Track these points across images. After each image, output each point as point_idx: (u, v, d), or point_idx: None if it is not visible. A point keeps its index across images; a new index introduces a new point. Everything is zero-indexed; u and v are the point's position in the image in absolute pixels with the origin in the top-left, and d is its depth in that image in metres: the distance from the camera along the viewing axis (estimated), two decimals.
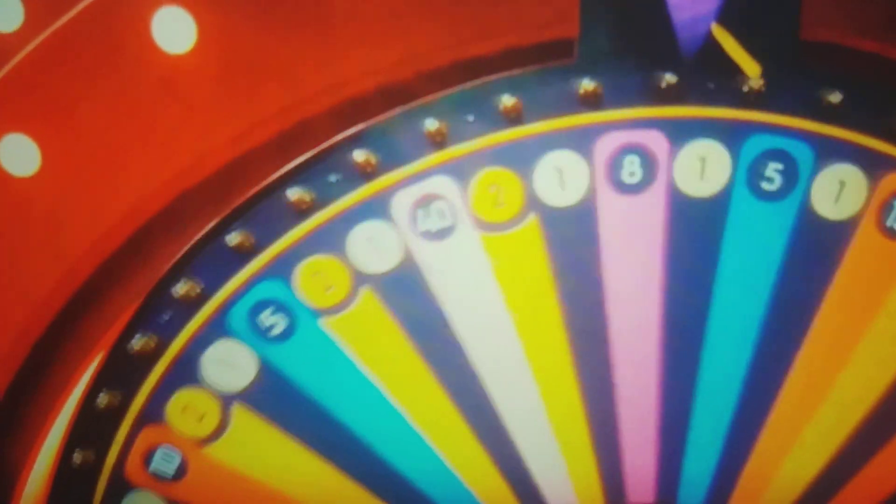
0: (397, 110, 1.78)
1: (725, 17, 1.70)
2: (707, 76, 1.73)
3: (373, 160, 1.79)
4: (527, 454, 1.85)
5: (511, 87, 1.75)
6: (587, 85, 1.73)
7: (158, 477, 1.88)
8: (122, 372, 1.86)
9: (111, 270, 1.92)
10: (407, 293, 1.83)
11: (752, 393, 1.78)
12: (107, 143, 1.85)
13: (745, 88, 1.71)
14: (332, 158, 1.80)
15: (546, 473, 1.85)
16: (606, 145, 1.75)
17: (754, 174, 1.75)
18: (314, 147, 1.80)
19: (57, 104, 1.82)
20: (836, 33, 1.77)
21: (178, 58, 1.78)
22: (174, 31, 1.77)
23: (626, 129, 1.75)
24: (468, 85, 1.76)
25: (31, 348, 1.92)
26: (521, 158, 1.77)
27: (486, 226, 1.80)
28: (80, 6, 1.79)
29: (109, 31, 1.79)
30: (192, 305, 1.84)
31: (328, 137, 1.80)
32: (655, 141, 1.75)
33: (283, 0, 1.80)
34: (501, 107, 1.75)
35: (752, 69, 1.71)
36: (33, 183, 1.85)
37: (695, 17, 1.70)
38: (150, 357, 1.85)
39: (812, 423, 1.77)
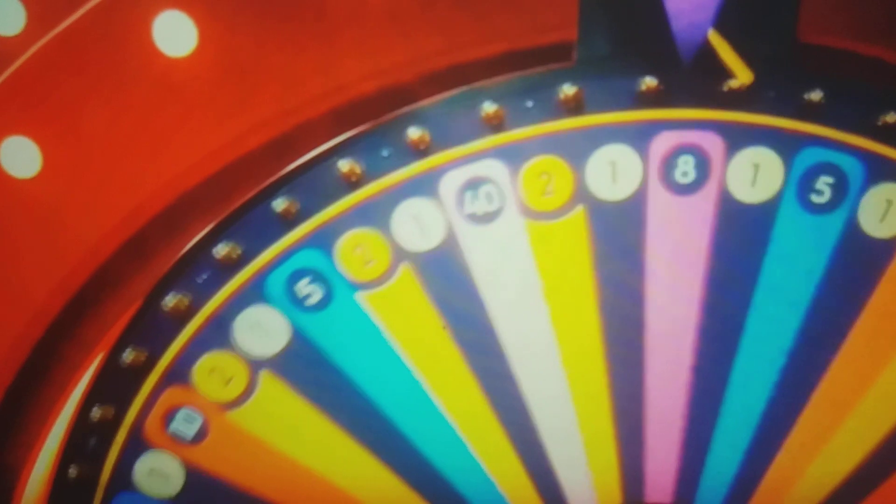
0: (456, 91, 1.77)
1: (723, 22, 1.70)
2: (770, 85, 1.74)
3: (427, 138, 1.77)
4: (549, 443, 1.85)
5: (573, 78, 1.74)
6: (649, 82, 1.72)
7: (177, 438, 1.87)
8: (152, 329, 1.84)
9: (112, 271, 1.93)
10: (445, 274, 1.82)
11: (781, 401, 1.79)
12: (108, 146, 1.86)
13: (726, 89, 1.72)
14: (386, 133, 1.78)
15: (566, 463, 1.85)
16: (662, 143, 1.75)
17: (805, 186, 1.75)
18: (306, 150, 1.82)
19: (58, 107, 1.83)
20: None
21: (179, 61, 1.80)
22: (175, 35, 1.78)
23: (685, 129, 1.74)
24: (530, 71, 1.75)
25: (31, 350, 1.93)
26: (575, 149, 1.76)
27: (532, 213, 1.79)
28: (82, 10, 1.80)
29: (111, 35, 1.80)
30: (230, 268, 1.82)
31: (327, 140, 1.81)
32: (712, 143, 1.75)
33: (283, 4, 1.80)
34: (562, 96, 1.73)
35: (744, 75, 1.71)
36: (34, 185, 1.86)
37: (693, 22, 1.70)
38: (182, 316, 1.83)
39: (839, 433, 1.78)
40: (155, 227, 1.90)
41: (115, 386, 1.86)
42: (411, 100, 1.79)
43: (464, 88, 1.77)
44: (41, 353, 1.93)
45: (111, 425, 1.86)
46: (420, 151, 1.78)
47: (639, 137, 1.75)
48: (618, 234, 1.78)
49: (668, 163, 1.75)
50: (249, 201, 1.82)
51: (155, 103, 1.83)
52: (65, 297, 1.91)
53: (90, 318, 1.94)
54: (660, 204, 1.76)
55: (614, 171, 1.76)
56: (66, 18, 1.80)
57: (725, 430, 1.81)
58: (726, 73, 1.72)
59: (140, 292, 1.87)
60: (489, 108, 1.75)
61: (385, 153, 1.79)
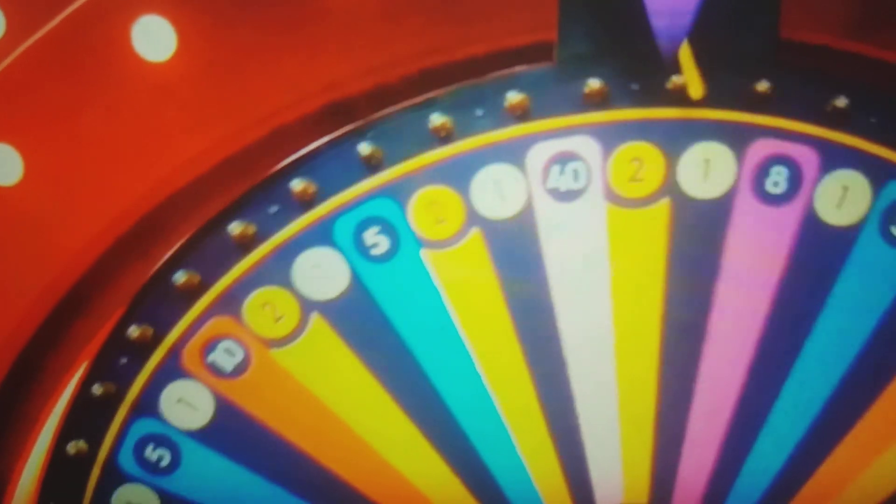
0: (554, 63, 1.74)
1: (703, 23, 1.68)
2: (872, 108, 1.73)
3: (525, 104, 1.73)
4: (587, 436, 1.83)
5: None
6: (761, 86, 1.70)
7: (215, 370, 1.81)
8: (211, 253, 1.78)
9: (96, 277, 1.92)
10: (515, 246, 1.79)
11: (826, 426, 1.79)
12: (89, 152, 1.86)
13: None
14: (484, 95, 1.74)
15: (600, 459, 1.83)
16: (760, 150, 1.73)
17: (887, 216, 1.75)
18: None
19: (39, 114, 1.83)
20: None
21: (159, 65, 1.80)
22: (154, 40, 1.78)
23: (784, 139, 1.72)
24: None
25: (18, 353, 1.92)
26: (673, 140, 1.73)
27: (616, 198, 1.76)
28: (61, 17, 1.79)
29: (90, 41, 1.79)
30: (303, 205, 1.76)
31: (308, 143, 1.79)
32: (807, 158, 1.73)
33: (261, 9, 1.79)
34: (671, 85, 1.70)
35: (696, 91, 1.71)
36: (16, 192, 1.85)
37: (673, 22, 1.68)
38: (245, 245, 1.77)
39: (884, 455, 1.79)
40: (139, 230, 1.90)
41: (161, 307, 1.80)
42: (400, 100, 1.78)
43: (565, 62, 1.74)
44: (28, 358, 1.93)
45: (149, 345, 1.80)
46: (516, 116, 1.74)
47: (738, 140, 1.72)
48: (700, 234, 1.75)
49: (762, 171, 1.74)
50: (328, 142, 1.77)
51: (136, 108, 1.83)
52: (49, 304, 1.91)
53: (77, 323, 1.93)
54: (747, 210, 1.74)
55: (708, 168, 1.73)
56: (45, 25, 1.79)
57: (771, 435, 1.79)
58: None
59: (126, 294, 1.85)
60: (594, 83, 1.71)
61: (479, 112, 1.74)
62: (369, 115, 1.78)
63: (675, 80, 1.70)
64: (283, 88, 1.83)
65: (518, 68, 1.75)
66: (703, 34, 1.69)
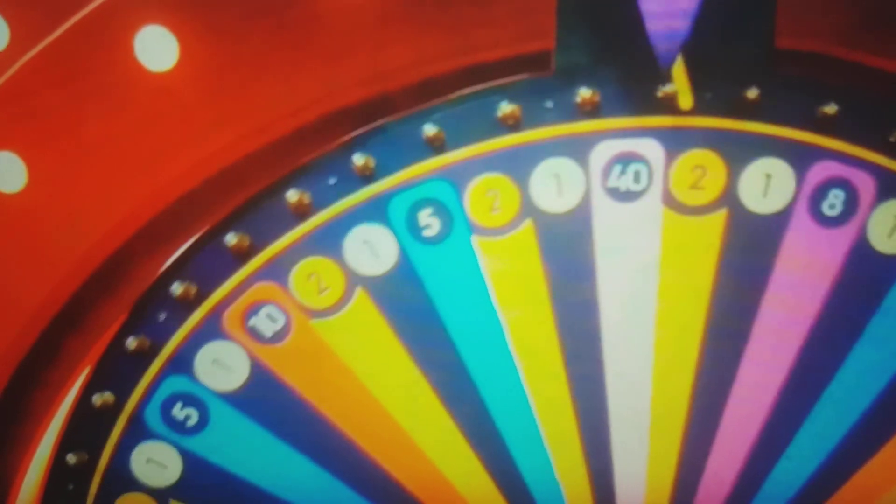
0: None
1: (700, 30, 1.70)
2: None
3: (596, 98, 1.72)
4: (616, 438, 1.83)
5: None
6: (828, 109, 1.71)
7: (255, 334, 1.81)
8: (264, 220, 1.77)
9: (98, 284, 1.92)
10: (566, 239, 1.79)
11: (852, 448, 1.81)
12: (92, 161, 1.86)
13: None
14: (554, 87, 1.74)
15: (626, 461, 1.84)
16: (819, 172, 1.74)
17: None
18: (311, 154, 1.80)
19: (42, 123, 1.84)
20: None
21: (161, 75, 1.81)
22: (157, 49, 1.79)
23: (842, 162, 1.73)
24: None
25: (20, 361, 1.92)
26: (737, 150, 1.73)
27: (675, 204, 1.76)
28: (64, 27, 1.80)
29: (93, 51, 1.81)
30: (362, 179, 1.76)
31: (312, 150, 1.80)
32: (865, 183, 1.74)
33: (263, 18, 1.80)
34: (745, 94, 1.71)
35: (685, 102, 1.73)
36: (20, 199, 1.86)
37: (670, 28, 1.69)
38: (300, 214, 1.77)
39: None
40: (141, 238, 1.90)
41: (209, 266, 1.80)
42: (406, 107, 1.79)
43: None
44: (26, 371, 1.93)
45: (192, 303, 1.80)
46: (585, 112, 1.73)
47: (801, 159, 1.73)
48: (752, 245, 1.76)
49: (820, 192, 1.75)
50: (393, 121, 1.77)
51: (139, 118, 1.83)
52: (51, 311, 1.91)
53: (79, 330, 1.93)
54: (802, 230, 1.75)
55: (768, 184, 1.74)
56: (48, 36, 1.80)
57: (797, 450, 1.81)
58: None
59: (127, 301, 1.86)
60: (669, 89, 1.71)
61: (549, 104, 1.73)
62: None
63: (665, 89, 1.71)
64: (284, 98, 1.84)
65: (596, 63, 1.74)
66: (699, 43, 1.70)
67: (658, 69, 1.72)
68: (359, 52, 1.82)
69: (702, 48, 1.70)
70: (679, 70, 1.71)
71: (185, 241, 1.83)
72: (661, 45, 1.69)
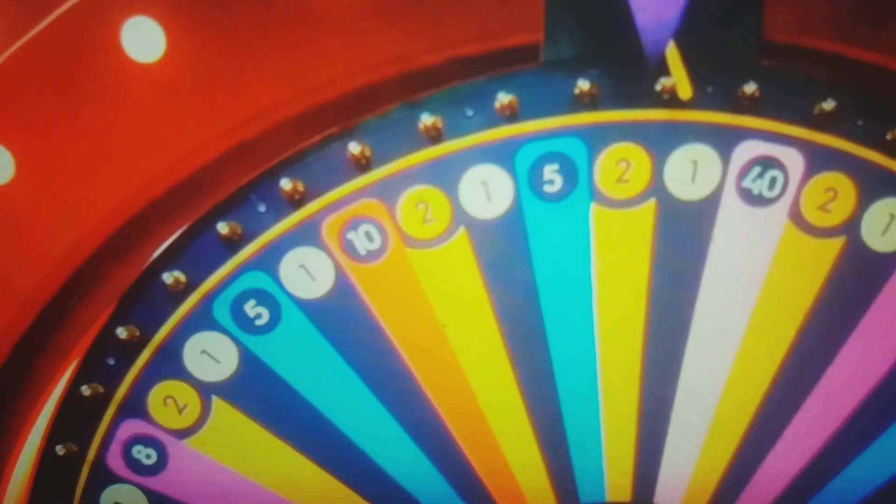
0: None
1: (689, 23, 1.68)
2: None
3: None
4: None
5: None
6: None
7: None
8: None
9: (86, 276, 1.93)
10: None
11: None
12: (79, 153, 1.86)
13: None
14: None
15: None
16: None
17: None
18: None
19: (29, 115, 1.83)
20: None
21: (148, 66, 1.80)
22: (143, 41, 1.79)
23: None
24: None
25: (8, 353, 1.94)
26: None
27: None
28: (51, 18, 1.79)
29: (80, 42, 1.80)
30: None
31: (293, 143, 1.81)
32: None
33: (250, 9, 1.80)
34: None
35: (685, 92, 1.72)
36: (8, 191, 1.86)
37: (658, 21, 1.68)
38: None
39: None
40: (128, 229, 1.91)
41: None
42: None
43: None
44: (18, 355, 1.94)
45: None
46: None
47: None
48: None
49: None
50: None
51: (125, 110, 1.83)
52: (39, 303, 1.92)
53: (66, 324, 1.95)
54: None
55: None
56: (35, 27, 1.79)
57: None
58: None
59: (114, 295, 1.87)
60: (666, 82, 1.71)
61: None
62: (359, 115, 1.79)
63: (664, 81, 1.71)
64: (272, 89, 1.84)
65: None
66: (689, 36, 1.69)
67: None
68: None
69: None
70: (676, 61, 1.71)
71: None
72: (649, 40, 1.69)
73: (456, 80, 1.79)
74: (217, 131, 1.87)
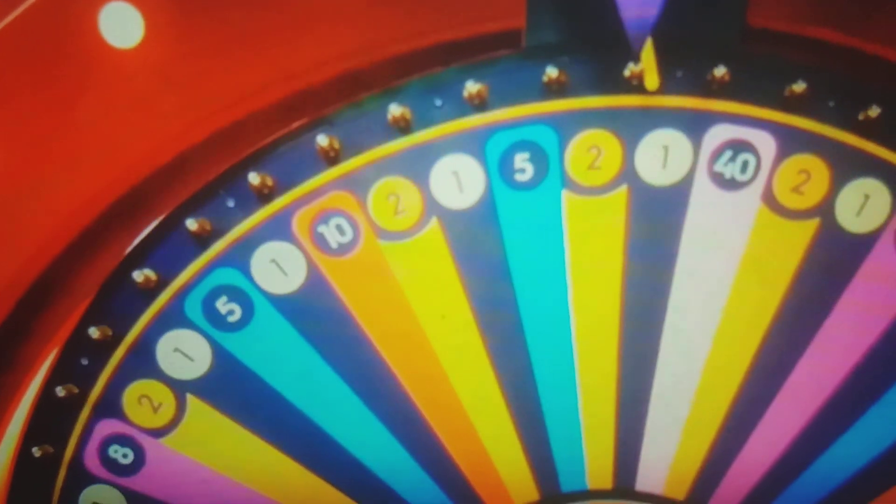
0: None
1: (672, 7, 1.66)
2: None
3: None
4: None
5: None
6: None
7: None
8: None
9: (63, 266, 1.90)
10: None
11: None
12: (56, 141, 1.83)
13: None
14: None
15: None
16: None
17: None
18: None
19: (4, 102, 1.79)
20: None
21: (127, 52, 1.77)
22: (121, 27, 1.76)
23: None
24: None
25: None
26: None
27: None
28: (27, 3, 1.75)
29: (57, 27, 1.76)
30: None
31: (276, 129, 1.78)
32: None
33: None
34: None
35: (652, 82, 1.70)
36: None
37: (641, 5, 1.66)
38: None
39: None
40: (107, 219, 1.88)
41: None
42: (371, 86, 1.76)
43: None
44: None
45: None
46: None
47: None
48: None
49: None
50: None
51: (103, 96, 1.80)
52: (16, 294, 1.90)
53: (46, 312, 1.93)
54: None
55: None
56: (11, 12, 1.75)
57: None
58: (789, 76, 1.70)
59: (92, 285, 1.85)
60: (635, 68, 1.69)
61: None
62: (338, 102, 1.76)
63: (633, 67, 1.69)
64: (249, 76, 1.81)
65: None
66: (665, 21, 1.66)
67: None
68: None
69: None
70: (647, 49, 1.69)
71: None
72: (632, 26, 1.66)
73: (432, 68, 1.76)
74: (199, 116, 1.84)
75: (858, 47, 1.73)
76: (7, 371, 1.96)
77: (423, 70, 1.75)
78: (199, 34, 1.78)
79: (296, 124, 1.76)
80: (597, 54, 1.69)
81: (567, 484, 1.86)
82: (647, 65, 1.69)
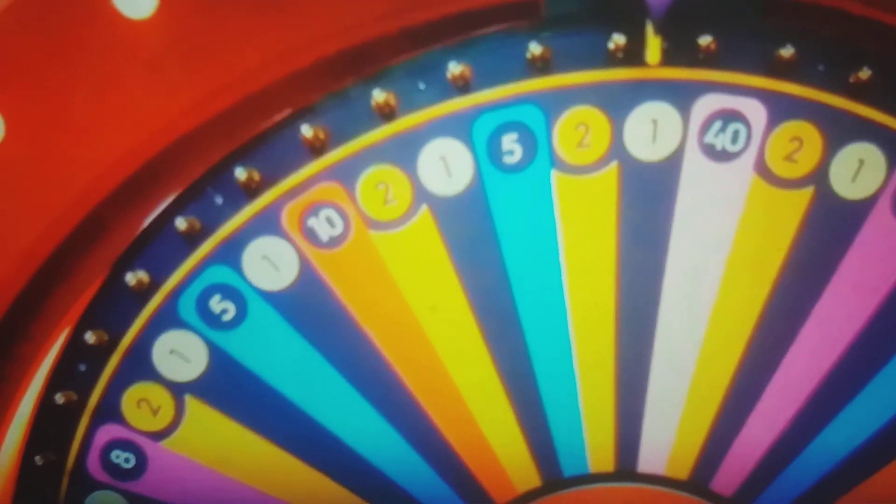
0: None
1: None
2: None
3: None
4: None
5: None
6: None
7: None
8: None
9: (75, 243, 1.86)
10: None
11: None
12: (69, 112, 1.78)
13: None
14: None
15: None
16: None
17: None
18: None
19: (18, 73, 1.75)
20: None
21: (140, 23, 1.72)
22: None
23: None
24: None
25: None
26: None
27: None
28: None
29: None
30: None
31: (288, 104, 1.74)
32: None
33: None
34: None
35: (654, 56, 1.67)
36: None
37: None
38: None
39: None
40: (118, 196, 1.83)
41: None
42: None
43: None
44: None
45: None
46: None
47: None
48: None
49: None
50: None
51: (117, 67, 1.76)
52: (26, 275, 1.86)
53: (56, 292, 1.88)
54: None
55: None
56: None
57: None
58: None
59: (104, 264, 1.83)
60: (620, 39, 1.66)
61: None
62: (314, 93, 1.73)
63: (617, 40, 1.66)
64: (260, 51, 1.76)
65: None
66: None
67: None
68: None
69: None
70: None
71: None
72: None
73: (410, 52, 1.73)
74: (211, 89, 1.79)
75: (845, 8, 1.70)
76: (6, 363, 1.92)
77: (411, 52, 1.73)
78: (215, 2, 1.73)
79: (279, 116, 1.74)
80: (581, 28, 1.67)
81: (569, 468, 1.83)
82: (650, 39, 1.66)
